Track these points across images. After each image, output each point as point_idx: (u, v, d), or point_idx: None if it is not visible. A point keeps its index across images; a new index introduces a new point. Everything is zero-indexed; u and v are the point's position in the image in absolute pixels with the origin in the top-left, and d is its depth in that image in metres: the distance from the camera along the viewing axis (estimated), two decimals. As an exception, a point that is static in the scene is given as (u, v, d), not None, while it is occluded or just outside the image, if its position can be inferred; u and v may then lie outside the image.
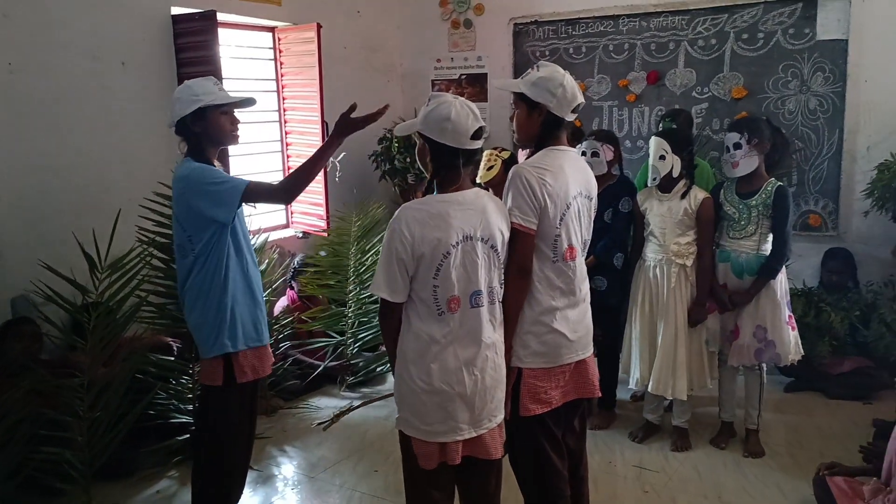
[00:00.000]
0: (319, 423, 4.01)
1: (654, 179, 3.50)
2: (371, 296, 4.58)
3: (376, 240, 4.70)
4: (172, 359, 3.65)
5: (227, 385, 2.66)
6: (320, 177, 5.00)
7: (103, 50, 3.98)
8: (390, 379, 4.61)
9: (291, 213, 5.32)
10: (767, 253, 3.39)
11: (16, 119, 3.63)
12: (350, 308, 4.58)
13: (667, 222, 3.48)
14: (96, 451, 3.16)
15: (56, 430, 3.05)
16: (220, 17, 4.33)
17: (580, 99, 2.36)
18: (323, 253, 4.75)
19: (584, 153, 3.66)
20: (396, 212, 2.11)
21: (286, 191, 2.65)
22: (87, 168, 3.93)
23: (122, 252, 3.38)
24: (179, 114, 2.57)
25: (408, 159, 5.31)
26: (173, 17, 4.30)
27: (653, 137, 3.53)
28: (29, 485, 3.05)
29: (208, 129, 2.61)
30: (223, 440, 2.72)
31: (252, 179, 2.60)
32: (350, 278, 4.58)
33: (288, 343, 4.50)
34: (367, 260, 4.65)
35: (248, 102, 2.74)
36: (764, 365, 3.54)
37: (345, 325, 4.57)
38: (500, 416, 2.23)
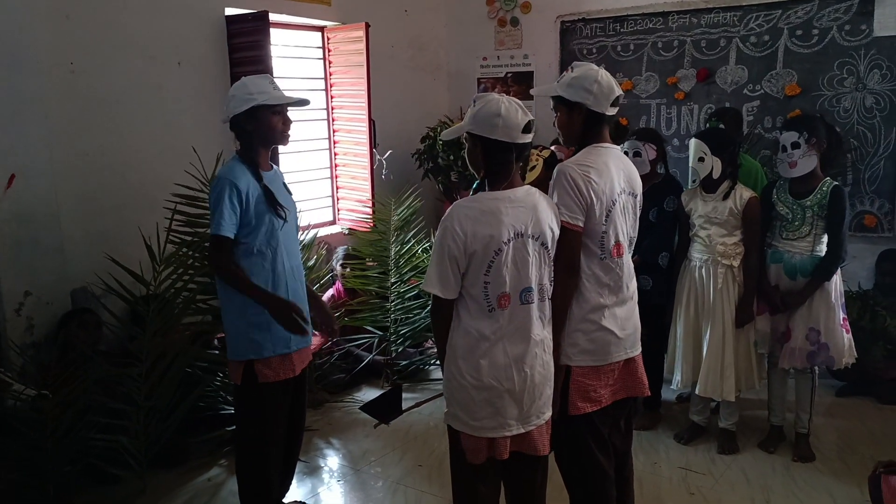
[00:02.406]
0: (375, 426, 4.01)
1: (694, 182, 3.48)
2: (410, 290, 4.64)
3: (414, 231, 4.75)
4: (217, 352, 3.75)
5: (247, 385, 2.70)
6: (367, 174, 5.07)
7: (160, 50, 4.10)
8: (435, 375, 4.65)
9: (338, 210, 5.40)
10: (822, 254, 3.32)
11: (77, 117, 3.76)
12: (391, 301, 4.62)
13: (712, 223, 3.44)
14: (152, 439, 3.28)
15: (114, 418, 3.16)
16: (272, 17, 4.42)
17: (618, 91, 2.37)
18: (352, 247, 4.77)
19: (626, 153, 3.64)
20: (448, 209, 2.13)
21: (218, 275, 2.67)
22: (142, 165, 4.06)
23: (168, 248, 3.49)
24: (233, 111, 2.61)
25: (451, 157, 5.33)
26: (227, 17, 4.41)
27: (692, 139, 3.50)
28: (87, 471, 3.18)
29: (260, 128, 2.64)
30: (252, 436, 2.77)
31: (225, 236, 2.57)
32: (391, 270, 4.62)
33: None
34: (406, 252, 4.68)
35: (301, 103, 2.77)
36: (816, 368, 3.48)
37: (387, 319, 4.61)
38: (548, 414, 2.24)
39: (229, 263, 2.61)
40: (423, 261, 4.77)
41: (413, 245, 4.70)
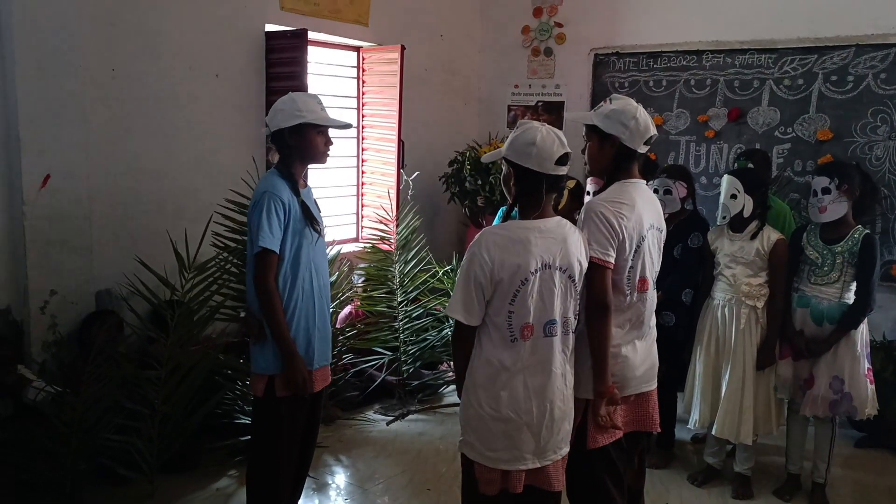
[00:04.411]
0: (389, 423, 4.14)
1: (725, 218, 3.45)
2: (417, 310, 4.65)
3: (416, 250, 4.75)
4: (241, 361, 3.77)
5: (268, 398, 2.69)
6: (393, 193, 5.10)
7: (200, 61, 4.18)
8: (446, 397, 4.63)
9: (362, 228, 5.43)
10: (850, 301, 3.28)
11: (115, 122, 3.83)
12: (399, 321, 4.62)
13: (737, 262, 3.41)
14: (165, 443, 3.29)
15: (130, 419, 3.18)
16: (310, 35, 4.48)
17: (653, 131, 2.37)
18: (363, 266, 4.78)
19: (656, 190, 3.63)
20: (477, 235, 2.14)
21: (259, 292, 2.60)
22: (175, 172, 4.12)
23: (200, 255, 3.52)
24: (280, 124, 2.64)
25: (478, 182, 5.35)
26: (267, 33, 4.49)
27: (725, 176, 3.48)
28: (97, 470, 3.19)
29: (302, 145, 2.67)
30: (268, 449, 2.76)
31: (273, 251, 2.57)
32: (396, 290, 4.63)
33: (350, 354, 4.57)
34: (409, 272, 4.68)
35: (346, 127, 2.81)
36: (837, 417, 3.42)
37: (396, 340, 4.60)
38: (565, 449, 2.23)
39: (274, 288, 2.59)
40: (426, 280, 4.78)
41: (415, 265, 4.70)
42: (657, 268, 2.49)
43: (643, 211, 2.36)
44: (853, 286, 3.29)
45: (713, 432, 3.47)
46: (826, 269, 3.31)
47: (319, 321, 2.76)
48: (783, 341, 3.40)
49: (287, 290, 2.65)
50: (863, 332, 3.32)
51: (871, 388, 3.33)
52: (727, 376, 3.43)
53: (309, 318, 2.72)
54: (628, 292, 2.34)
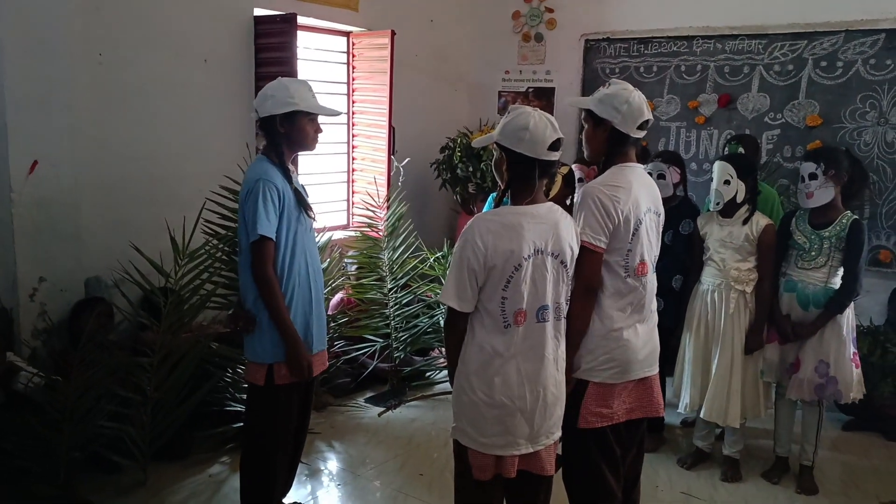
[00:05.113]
0: (380, 414, 4.18)
1: (718, 204, 3.45)
2: (408, 296, 4.66)
3: (403, 236, 4.75)
4: (231, 348, 3.76)
5: (269, 386, 2.69)
6: (383, 179, 5.09)
7: (188, 46, 4.14)
8: (438, 383, 4.65)
9: (353, 215, 5.42)
10: (836, 286, 3.31)
11: (102, 108, 3.80)
12: (390, 308, 4.62)
13: (727, 247, 3.43)
14: (158, 430, 3.29)
15: (122, 407, 3.18)
16: (300, 20, 4.45)
17: (647, 115, 2.38)
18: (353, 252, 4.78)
19: (649, 174, 3.64)
20: (469, 221, 2.13)
21: (258, 281, 2.59)
22: (164, 159, 4.10)
23: (191, 242, 3.49)
24: (271, 110, 2.60)
25: (470, 168, 5.35)
26: (256, 17, 4.45)
27: (717, 162, 3.48)
28: (90, 457, 3.19)
29: (293, 133, 2.65)
30: (265, 437, 2.76)
31: (269, 237, 2.55)
32: (386, 276, 4.63)
33: (342, 341, 4.57)
34: (398, 258, 4.68)
35: (336, 114, 2.80)
36: (823, 401, 3.45)
37: (387, 327, 4.61)
38: (558, 434, 2.24)
39: (274, 276, 2.58)
40: (416, 266, 4.78)
41: (403, 251, 4.71)
42: (656, 251, 2.51)
43: (640, 194, 2.37)
44: (840, 271, 3.32)
45: (702, 416, 3.50)
46: (813, 253, 3.34)
47: (315, 306, 2.76)
48: (770, 325, 3.43)
49: (284, 277, 2.64)
50: (849, 317, 3.35)
51: (857, 372, 3.37)
52: (716, 360, 3.46)
53: (306, 303, 2.72)
54: (625, 275, 2.36)
